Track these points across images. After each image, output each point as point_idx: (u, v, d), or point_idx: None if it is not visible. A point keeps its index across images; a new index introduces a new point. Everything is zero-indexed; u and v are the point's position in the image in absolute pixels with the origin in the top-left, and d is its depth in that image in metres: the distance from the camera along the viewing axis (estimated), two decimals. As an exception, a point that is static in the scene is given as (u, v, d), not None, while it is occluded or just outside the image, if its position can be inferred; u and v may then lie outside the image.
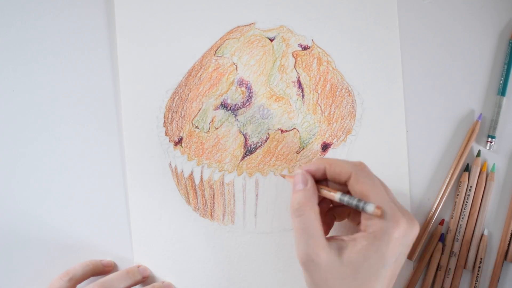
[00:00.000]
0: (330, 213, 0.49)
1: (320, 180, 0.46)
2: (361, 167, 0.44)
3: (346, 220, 0.49)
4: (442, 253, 0.54)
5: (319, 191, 0.45)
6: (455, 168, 0.54)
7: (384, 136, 0.54)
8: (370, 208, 0.41)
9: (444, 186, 0.54)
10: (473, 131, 0.54)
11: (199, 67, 0.54)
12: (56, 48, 0.54)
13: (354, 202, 0.43)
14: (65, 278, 0.50)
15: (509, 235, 0.54)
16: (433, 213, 0.54)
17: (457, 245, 0.54)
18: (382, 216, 0.41)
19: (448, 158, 0.55)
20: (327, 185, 0.46)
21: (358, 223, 0.46)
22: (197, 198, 0.53)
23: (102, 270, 0.52)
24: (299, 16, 0.55)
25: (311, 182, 0.45)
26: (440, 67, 0.55)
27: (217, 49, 0.54)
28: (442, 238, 0.54)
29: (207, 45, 0.54)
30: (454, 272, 0.54)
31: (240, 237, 0.53)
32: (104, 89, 0.54)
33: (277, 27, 0.54)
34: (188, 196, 0.53)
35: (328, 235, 0.43)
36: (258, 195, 0.53)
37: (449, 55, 0.55)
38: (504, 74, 0.55)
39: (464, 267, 0.54)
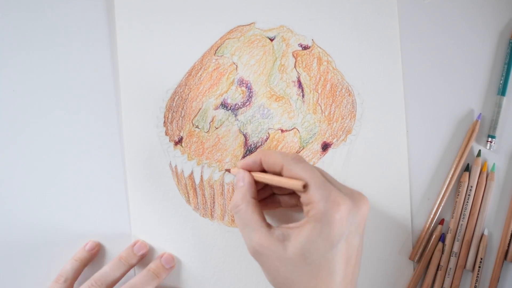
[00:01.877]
0: (275, 198, 0.49)
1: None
2: (292, 157, 0.44)
3: (295, 207, 0.49)
4: (443, 253, 0.54)
5: (255, 178, 0.46)
6: (455, 168, 0.54)
7: (384, 136, 0.54)
8: (294, 183, 0.42)
9: (445, 186, 0.54)
10: (473, 131, 0.54)
11: (199, 67, 0.54)
12: (56, 49, 0.54)
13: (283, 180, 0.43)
14: (60, 280, 0.50)
15: (509, 235, 0.54)
16: (434, 213, 0.54)
17: (457, 245, 0.54)
18: (306, 190, 0.41)
19: (448, 158, 0.55)
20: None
21: None
22: (197, 198, 0.53)
23: (89, 257, 0.51)
24: (299, 16, 0.55)
25: (247, 178, 0.46)
26: (440, 67, 0.55)
27: (217, 49, 0.54)
28: (443, 238, 0.54)
29: (207, 44, 0.54)
30: (454, 272, 0.54)
31: (240, 237, 0.53)
32: (104, 89, 0.54)
33: (277, 26, 0.54)
34: (188, 196, 0.53)
35: (276, 221, 0.44)
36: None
37: (449, 55, 0.55)
38: (504, 74, 0.55)
39: (464, 267, 0.54)
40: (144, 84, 0.53)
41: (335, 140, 0.53)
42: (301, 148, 0.53)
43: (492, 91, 0.55)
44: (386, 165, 0.54)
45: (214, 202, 0.53)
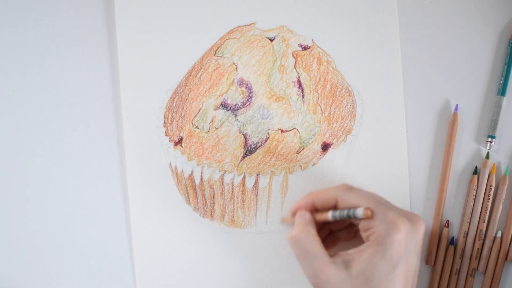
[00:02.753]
0: (333, 236, 0.49)
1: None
2: (343, 187, 0.45)
3: (353, 239, 0.49)
4: (454, 256, 0.54)
5: (317, 219, 0.46)
6: (448, 168, 0.54)
7: (384, 136, 0.54)
8: (359, 212, 0.42)
9: (444, 187, 0.54)
10: (453, 124, 0.54)
11: (199, 67, 0.54)
12: (56, 49, 0.54)
13: (344, 213, 0.43)
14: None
15: (510, 236, 0.54)
16: (441, 215, 0.54)
17: (469, 247, 0.54)
18: (372, 216, 0.42)
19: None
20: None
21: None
22: (197, 198, 0.53)
23: None
24: (299, 16, 0.55)
25: (308, 215, 0.45)
26: (440, 67, 0.55)
27: (217, 49, 0.54)
28: (453, 241, 0.54)
29: (207, 45, 0.54)
30: (467, 275, 0.53)
31: (240, 237, 0.53)
32: (104, 89, 0.54)
33: (277, 27, 0.54)
34: (188, 196, 0.53)
35: (334, 253, 0.44)
36: (258, 195, 0.53)
37: (449, 55, 0.55)
38: (504, 74, 0.55)
39: (477, 269, 0.54)
40: (144, 84, 0.53)
41: (335, 140, 0.53)
42: (301, 149, 0.53)
43: (492, 91, 0.55)
44: (386, 165, 0.54)
45: (214, 203, 0.53)
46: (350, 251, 0.43)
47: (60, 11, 0.54)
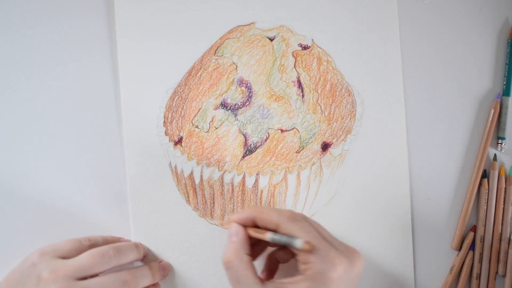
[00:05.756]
0: (272, 256, 0.49)
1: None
2: (288, 215, 0.44)
3: (292, 264, 0.48)
4: (473, 260, 0.54)
5: (250, 234, 0.45)
6: (477, 171, 0.54)
7: (384, 136, 0.54)
8: (298, 243, 0.41)
9: (470, 192, 0.54)
10: (495, 110, 0.53)
11: (199, 67, 0.54)
12: (56, 48, 0.54)
13: (284, 239, 0.42)
14: (86, 242, 0.49)
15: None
16: (466, 220, 0.54)
17: (486, 251, 0.53)
18: (312, 250, 0.41)
19: (448, 158, 0.54)
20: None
21: None
22: (197, 198, 0.53)
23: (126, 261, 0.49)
24: (299, 15, 0.55)
25: (241, 234, 0.45)
26: (440, 67, 0.55)
27: (217, 49, 0.54)
28: (473, 246, 0.54)
29: (207, 44, 0.54)
30: (488, 279, 0.53)
31: (239, 237, 0.53)
32: (104, 89, 0.54)
33: (277, 26, 0.54)
34: (188, 195, 0.53)
35: (270, 279, 0.44)
36: (257, 195, 0.53)
37: (449, 55, 0.55)
38: (506, 74, 0.55)
39: (497, 273, 0.53)
40: (144, 84, 0.53)
41: (335, 140, 0.53)
42: (301, 148, 0.53)
43: (495, 91, 0.55)
44: (386, 165, 0.54)
45: (213, 202, 0.53)
46: (285, 280, 0.42)
47: (60, 11, 0.54)
